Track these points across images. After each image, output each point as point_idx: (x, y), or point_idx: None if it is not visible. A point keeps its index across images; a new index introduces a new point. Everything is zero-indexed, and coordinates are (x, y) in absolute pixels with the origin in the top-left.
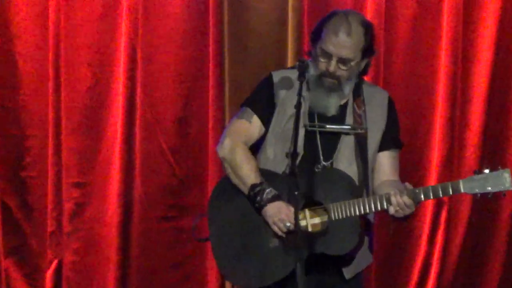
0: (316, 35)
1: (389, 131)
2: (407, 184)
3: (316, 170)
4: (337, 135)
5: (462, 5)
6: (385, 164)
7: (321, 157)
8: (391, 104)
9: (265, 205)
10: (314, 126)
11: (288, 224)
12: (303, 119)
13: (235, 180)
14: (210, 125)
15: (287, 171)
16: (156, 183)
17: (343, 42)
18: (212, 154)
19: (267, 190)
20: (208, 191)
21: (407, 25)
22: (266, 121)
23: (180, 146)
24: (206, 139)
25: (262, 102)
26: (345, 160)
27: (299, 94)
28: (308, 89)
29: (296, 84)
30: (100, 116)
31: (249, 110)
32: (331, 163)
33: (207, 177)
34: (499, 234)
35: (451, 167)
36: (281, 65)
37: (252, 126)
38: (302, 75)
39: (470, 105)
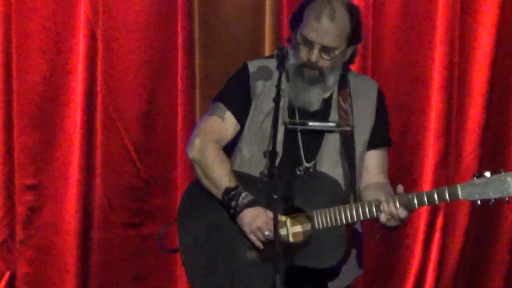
0: (296, 20)
1: (378, 128)
2: (399, 187)
3: (298, 172)
4: (320, 133)
5: None
6: (373, 164)
7: (303, 158)
8: (380, 96)
9: (241, 211)
10: (294, 124)
11: (267, 233)
12: (283, 115)
13: (206, 184)
14: (179, 120)
15: (265, 173)
16: (119, 185)
17: (326, 29)
18: (181, 152)
19: (243, 195)
20: (177, 194)
21: (398, 8)
22: (241, 117)
23: (145, 144)
24: (174, 136)
25: (237, 96)
26: (329, 161)
27: (278, 86)
28: (288, 80)
29: (275, 75)
30: (56, 110)
31: (221, 105)
32: (314, 165)
33: (175, 178)
34: (501, 243)
35: (447, 169)
36: (258, 54)
37: (225, 123)
38: (281, 65)
39: (469, 99)
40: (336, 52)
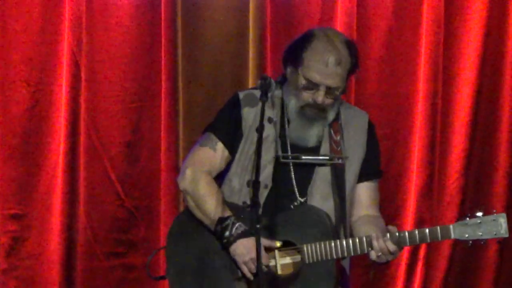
0: (295, 60)
1: (369, 160)
2: (390, 227)
3: (292, 206)
4: (311, 166)
5: (443, 16)
6: (364, 197)
7: (297, 193)
8: (371, 128)
9: (234, 241)
10: (287, 158)
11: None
12: (275, 149)
13: (198, 215)
14: (162, 150)
15: (248, 203)
16: (103, 216)
17: (333, 72)
18: (165, 182)
19: (237, 225)
20: (160, 224)
21: (382, 38)
22: (232, 149)
23: (129, 174)
24: (158, 166)
25: (228, 127)
26: (320, 195)
27: (261, 116)
28: (287, 121)
29: (278, 103)
30: (40, 141)
31: (213, 136)
32: (306, 199)
33: (159, 209)
34: (485, 272)
35: (431, 198)
36: (241, 83)
37: (216, 154)
38: (264, 95)
39: (452, 128)
40: (340, 90)
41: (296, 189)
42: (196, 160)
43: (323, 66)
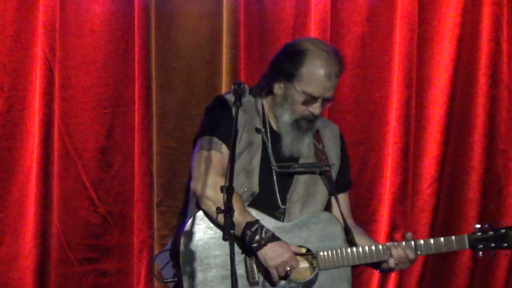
0: (289, 75)
1: (343, 171)
2: (408, 234)
3: (277, 215)
4: (292, 174)
5: (417, 22)
6: (343, 207)
7: (279, 200)
8: (342, 139)
9: (265, 244)
10: (283, 167)
11: (289, 269)
12: (262, 158)
13: (220, 219)
14: (136, 156)
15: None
16: (76, 222)
17: (333, 84)
18: (139, 188)
19: (265, 229)
20: (134, 229)
21: (355, 43)
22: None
23: (103, 180)
24: (131, 171)
25: (226, 128)
26: (300, 202)
27: (235, 121)
28: (277, 132)
29: (251, 110)
30: (14, 146)
31: (216, 139)
32: (285, 208)
33: (132, 214)
34: (459, 278)
35: (405, 203)
36: (215, 88)
37: (223, 156)
38: (238, 100)
39: (426, 133)
40: (331, 99)
41: (278, 196)
42: (209, 165)
43: (325, 81)
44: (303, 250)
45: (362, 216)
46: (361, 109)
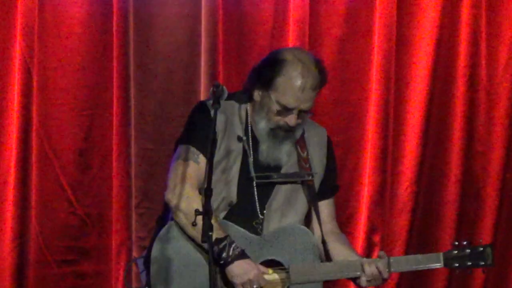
0: (266, 84)
1: (329, 177)
2: (380, 253)
3: (255, 225)
4: (272, 183)
5: (395, 23)
6: (326, 213)
7: (258, 209)
8: (330, 144)
9: (231, 262)
10: (261, 178)
11: (255, 286)
12: (241, 167)
13: (191, 233)
14: (114, 158)
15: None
16: (54, 223)
17: (308, 96)
18: (117, 190)
19: (233, 246)
20: (112, 231)
21: (334, 45)
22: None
23: (81, 182)
24: (109, 173)
25: (206, 139)
26: (280, 212)
27: (214, 123)
28: (256, 140)
29: (233, 116)
30: None
31: (193, 149)
32: (263, 218)
33: (111, 215)
34: (437, 279)
35: (383, 205)
36: (193, 91)
37: (200, 167)
38: (217, 102)
39: (404, 136)
40: (310, 110)
41: (257, 205)
42: (185, 176)
43: (299, 92)
44: (270, 272)
45: (341, 217)
46: (339, 111)
